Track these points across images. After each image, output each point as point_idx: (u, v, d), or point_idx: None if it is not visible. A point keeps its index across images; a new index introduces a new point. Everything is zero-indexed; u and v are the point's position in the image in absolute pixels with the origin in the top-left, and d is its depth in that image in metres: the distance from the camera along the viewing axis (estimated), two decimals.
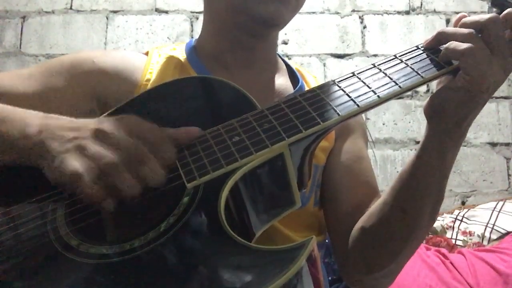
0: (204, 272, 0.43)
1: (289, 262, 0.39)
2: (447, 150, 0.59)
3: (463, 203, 1.88)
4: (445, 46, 0.56)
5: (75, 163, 0.47)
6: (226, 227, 0.45)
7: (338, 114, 0.53)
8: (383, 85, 0.55)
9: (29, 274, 0.46)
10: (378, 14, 2.06)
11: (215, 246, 0.45)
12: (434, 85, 0.61)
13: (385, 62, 0.58)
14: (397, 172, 1.90)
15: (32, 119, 0.54)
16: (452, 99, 0.56)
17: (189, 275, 0.43)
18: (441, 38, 0.58)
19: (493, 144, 1.94)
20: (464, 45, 0.54)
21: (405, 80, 0.55)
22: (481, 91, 0.54)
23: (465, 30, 0.56)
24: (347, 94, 0.55)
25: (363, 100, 0.54)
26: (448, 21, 2.04)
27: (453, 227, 1.68)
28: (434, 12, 2.06)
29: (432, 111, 0.59)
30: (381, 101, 0.54)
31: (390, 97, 0.55)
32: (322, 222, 0.79)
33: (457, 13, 2.02)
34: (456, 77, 0.55)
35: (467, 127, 0.59)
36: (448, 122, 0.57)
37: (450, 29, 0.58)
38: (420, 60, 0.57)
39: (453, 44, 0.55)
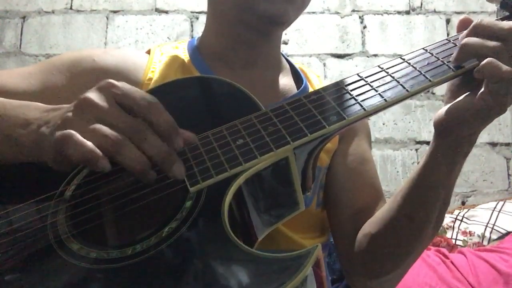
0: (206, 279, 0.42)
1: (294, 271, 0.39)
2: (457, 160, 0.58)
3: (463, 203, 1.88)
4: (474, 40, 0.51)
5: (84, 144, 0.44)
6: (229, 233, 0.44)
7: (344, 118, 0.52)
8: (390, 89, 0.53)
9: (27, 278, 0.45)
10: (378, 14, 2.06)
11: (218, 253, 0.44)
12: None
13: (393, 65, 0.56)
14: (397, 172, 1.91)
15: (30, 115, 0.52)
16: (468, 109, 0.52)
17: (191, 282, 0.42)
18: (477, 30, 0.52)
19: (493, 144, 1.94)
20: (493, 43, 0.49)
21: (413, 83, 0.53)
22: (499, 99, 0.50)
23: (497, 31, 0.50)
24: (354, 97, 0.53)
25: (369, 103, 0.52)
26: (448, 21, 2.04)
27: (453, 227, 1.67)
28: (434, 12, 2.05)
29: (446, 123, 0.55)
30: (388, 104, 0.52)
31: (398, 101, 0.53)
32: (325, 223, 0.79)
33: (457, 13, 2.03)
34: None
35: (477, 137, 0.57)
36: (460, 134, 0.55)
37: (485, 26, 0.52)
38: (427, 64, 0.55)
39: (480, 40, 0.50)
